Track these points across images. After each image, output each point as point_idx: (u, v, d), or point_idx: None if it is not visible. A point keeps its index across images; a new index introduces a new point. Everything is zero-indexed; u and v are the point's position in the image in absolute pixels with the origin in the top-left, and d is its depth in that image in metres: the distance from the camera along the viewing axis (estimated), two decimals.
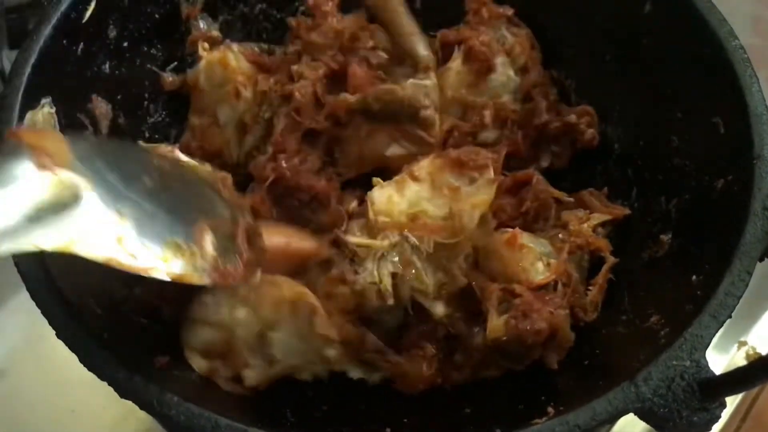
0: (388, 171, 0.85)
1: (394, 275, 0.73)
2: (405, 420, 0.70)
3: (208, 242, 0.66)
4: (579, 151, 0.92)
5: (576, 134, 0.90)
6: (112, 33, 0.85)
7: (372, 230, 0.76)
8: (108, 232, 0.61)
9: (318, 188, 0.83)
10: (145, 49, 0.91)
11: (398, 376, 0.74)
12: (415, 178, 0.78)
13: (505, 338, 0.72)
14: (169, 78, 0.93)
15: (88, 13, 0.81)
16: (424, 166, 0.79)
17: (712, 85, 0.79)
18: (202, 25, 0.95)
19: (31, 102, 0.75)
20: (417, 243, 0.74)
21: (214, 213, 0.71)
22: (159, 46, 0.92)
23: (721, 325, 0.64)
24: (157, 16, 0.91)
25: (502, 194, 0.84)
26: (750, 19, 1.02)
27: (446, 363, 0.76)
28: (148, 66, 0.92)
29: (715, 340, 0.63)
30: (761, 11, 1.18)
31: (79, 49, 0.81)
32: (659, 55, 0.86)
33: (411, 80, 0.87)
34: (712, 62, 0.79)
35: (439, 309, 0.75)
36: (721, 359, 0.99)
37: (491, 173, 0.77)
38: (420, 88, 0.86)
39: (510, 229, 0.80)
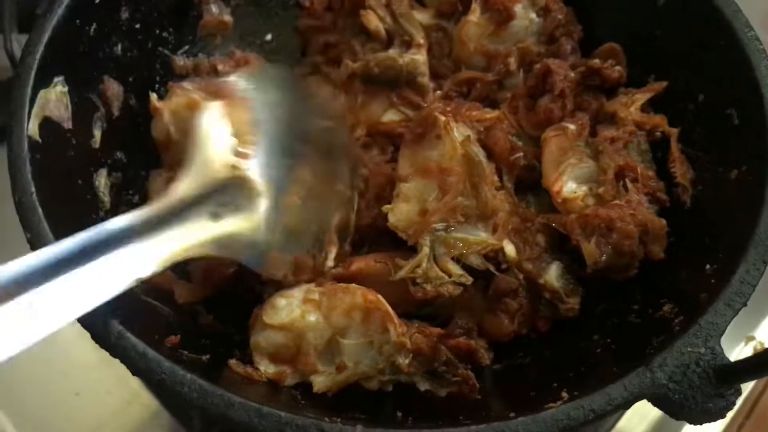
0: (380, 136, 0.90)
1: (456, 259, 0.75)
2: (416, 406, 0.69)
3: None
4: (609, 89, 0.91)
5: (602, 77, 0.89)
6: (125, 14, 0.85)
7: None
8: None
9: None
10: (157, 31, 0.91)
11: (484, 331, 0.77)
12: (402, 179, 0.82)
13: (604, 257, 0.74)
14: (180, 61, 0.93)
15: None
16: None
17: (727, 76, 0.79)
18: (214, 9, 0.95)
19: (44, 80, 0.74)
20: (445, 225, 0.76)
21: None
22: (171, 29, 0.92)
23: (736, 313, 0.63)
24: None
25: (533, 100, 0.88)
26: (759, 15, 1.01)
27: (532, 314, 0.78)
28: (160, 49, 0.92)
29: None
30: None
31: (92, 30, 0.81)
32: (673, 47, 0.86)
33: (406, 54, 0.91)
34: (726, 54, 0.79)
35: (509, 249, 0.77)
36: (728, 355, 0.99)
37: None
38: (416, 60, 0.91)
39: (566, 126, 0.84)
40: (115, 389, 0.94)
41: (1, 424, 0.92)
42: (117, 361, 0.95)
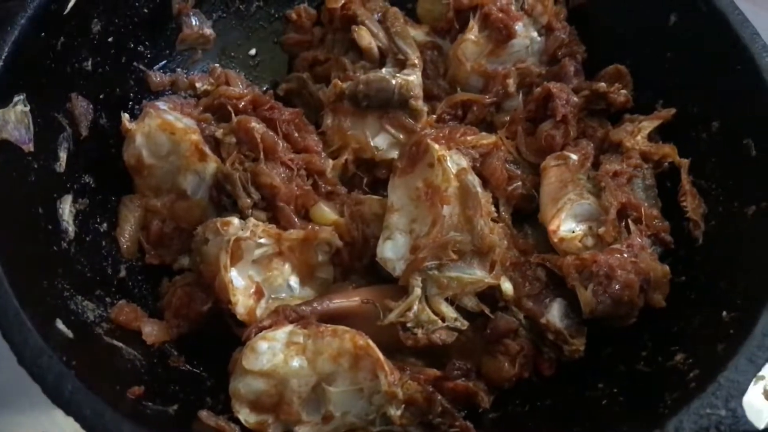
0: (368, 163, 0.84)
1: (450, 300, 0.70)
2: None
3: None
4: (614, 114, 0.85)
5: (608, 101, 0.83)
6: (96, 27, 0.79)
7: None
8: None
9: None
10: (132, 45, 0.84)
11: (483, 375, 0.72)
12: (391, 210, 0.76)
13: (601, 307, 0.69)
14: (156, 77, 0.86)
15: (70, 5, 0.75)
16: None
17: (744, 103, 0.73)
18: (194, 21, 0.89)
19: (2, 99, 0.68)
20: (437, 263, 0.70)
21: None
22: (147, 43, 0.86)
23: (759, 370, 0.58)
24: (145, 10, 0.85)
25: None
26: None
27: (534, 357, 0.72)
28: (135, 64, 0.85)
29: None
30: None
31: (59, 44, 0.74)
32: (684, 70, 0.80)
33: (400, 74, 0.84)
34: (743, 79, 0.74)
35: (506, 286, 0.72)
36: None
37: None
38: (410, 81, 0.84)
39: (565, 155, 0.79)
40: None
41: None
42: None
